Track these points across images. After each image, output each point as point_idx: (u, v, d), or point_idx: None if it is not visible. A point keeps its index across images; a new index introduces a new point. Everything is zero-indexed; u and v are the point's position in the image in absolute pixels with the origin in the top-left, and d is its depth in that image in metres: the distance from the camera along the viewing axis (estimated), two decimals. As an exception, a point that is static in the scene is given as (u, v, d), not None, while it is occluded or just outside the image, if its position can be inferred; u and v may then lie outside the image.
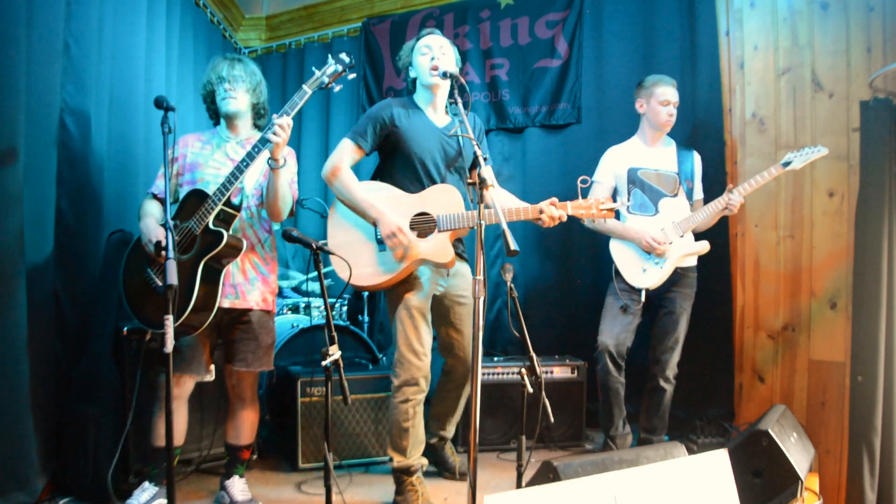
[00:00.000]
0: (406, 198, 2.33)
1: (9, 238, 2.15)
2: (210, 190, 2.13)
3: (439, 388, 2.62)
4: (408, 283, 2.31)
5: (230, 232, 2.16)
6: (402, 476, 2.34)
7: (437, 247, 2.26)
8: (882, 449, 2.55)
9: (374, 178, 2.48)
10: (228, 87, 2.29)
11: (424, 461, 2.41)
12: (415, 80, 2.46)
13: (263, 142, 2.08)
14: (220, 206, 2.11)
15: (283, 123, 2.07)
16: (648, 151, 2.93)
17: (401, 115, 2.35)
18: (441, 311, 2.46)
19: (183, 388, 2.24)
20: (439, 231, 2.27)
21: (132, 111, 2.91)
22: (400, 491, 2.34)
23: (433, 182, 2.35)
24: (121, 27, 2.82)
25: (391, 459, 2.37)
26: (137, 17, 2.96)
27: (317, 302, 3.57)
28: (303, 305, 3.57)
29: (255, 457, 2.83)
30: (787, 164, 2.66)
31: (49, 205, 2.37)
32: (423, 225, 2.30)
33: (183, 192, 2.23)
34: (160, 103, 1.98)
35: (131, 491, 2.22)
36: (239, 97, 2.30)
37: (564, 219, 2.25)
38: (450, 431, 2.68)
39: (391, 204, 2.29)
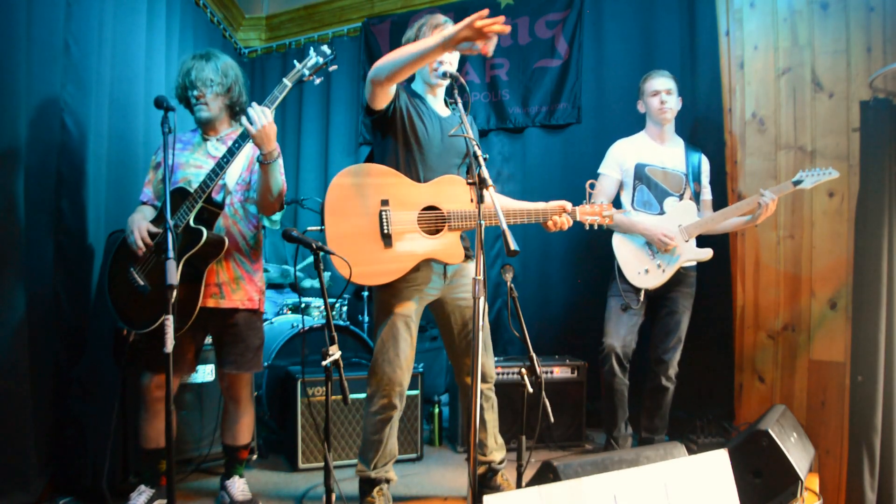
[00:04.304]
0: (415, 188, 2.14)
1: (9, 238, 2.15)
2: (192, 189, 2.10)
3: (463, 407, 2.53)
4: (394, 287, 2.15)
5: (213, 230, 2.13)
6: (364, 486, 2.25)
7: (448, 245, 2.13)
8: (882, 449, 2.56)
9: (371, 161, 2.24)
10: (199, 95, 2.23)
11: (392, 476, 2.27)
12: None
13: (243, 136, 2.05)
14: (200, 204, 2.08)
15: (257, 112, 2.01)
16: (657, 148, 2.93)
17: (407, 103, 2.19)
18: (442, 316, 2.32)
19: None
20: (450, 229, 2.14)
21: (132, 111, 2.90)
22: (361, 500, 2.25)
23: (437, 173, 2.19)
24: (121, 27, 2.82)
25: (357, 464, 2.28)
26: (137, 17, 2.95)
27: (317, 302, 3.56)
28: (302, 306, 3.57)
29: (254, 457, 2.84)
30: (798, 182, 2.64)
31: (49, 205, 2.37)
32: (433, 220, 2.14)
33: None
34: (160, 103, 1.97)
35: (131, 491, 2.21)
36: (210, 102, 2.25)
37: (565, 228, 2.23)
38: (495, 455, 2.37)
39: (400, 193, 2.12)
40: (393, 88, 2.10)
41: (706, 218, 2.80)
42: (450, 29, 1.79)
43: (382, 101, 2.11)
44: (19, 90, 2.18)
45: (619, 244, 2.86)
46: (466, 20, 1.71)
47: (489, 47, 1.73)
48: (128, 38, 2.89)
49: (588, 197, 2.31)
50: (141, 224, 2.10)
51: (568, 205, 2.22)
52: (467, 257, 2.25)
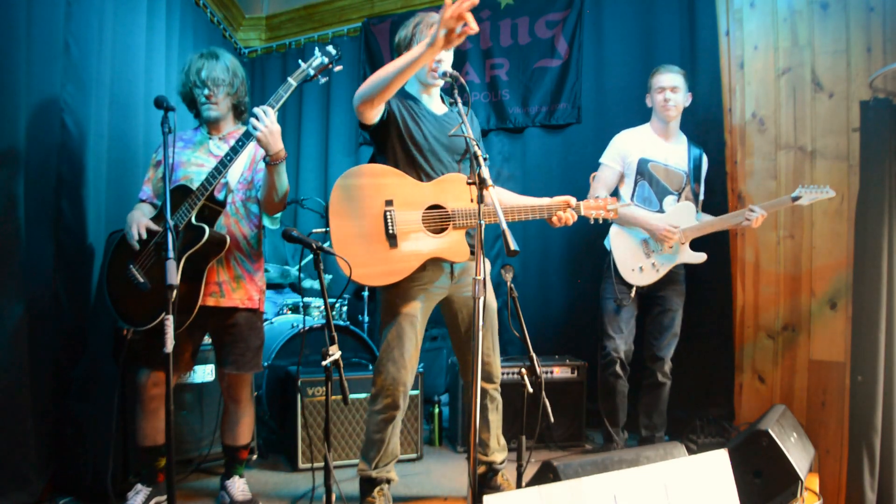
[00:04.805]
0: (419, 187, 2.13)
1: (9, 238, 2.15)
2: (194, 187, 2.10)
3: (466, 407, 2.52)
4: (400, 286, 2.14)
5: (214, 228, 2.13)
6: (365, 486, 2.24)
7: (453, 243, 2.12)
8: (882, 449, 2.56)
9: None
10: (209, 95, 2.23)
11: (393, 476, 2.26)
12: None
13: (247, 135, 2.05)
14: (202, 202, 2.07)
15: (260, 113, 2.01)
16: (661, 144, 2.92)
17: (399, 106, 2.18)
18: (449, 314, 2.30)
19: (163, 388, 2.18)
20: (455, 227, 2.12)
21: (132, 111, 2.91)
22: (361, 500, 2.24)
23: (438, 172, 2.18)
24: (121, 27, 2.82)
25: (358, 463, 2.27)
26: (137, 17, 2.96)
27: (317, 302, 3.56)
28: (302, 306, 3.57)
29: (254, 457, 2.84)
30: (796, 198, 2.64)
31: (49, 205, 2.37)
32: (437, 219, 2.13)
33: None
34: (160, 103, 1.97)
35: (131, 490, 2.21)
36: (219, 102, 2.26)
37: (570, 224, 2.21)
38: (497, 456, 2.39)
39: (404, 193, 2.10)
40: (383, 104, 2.09)
41: (703, 223, 2.81)
42: (432, 32, 1.79)
43: (373, 117, 2.10)
44: (19, 90, 2.18)
45: (617, 237, 2.85)
46: (439, 17, 1.72)
47: (471, 24, 1.71)
48: (128, 38, 2.89)
49: (592, 191, 2.29)
50: (140, 220, 2.10)
51: (572, 200, 2.20)
52: (473, 255, 2.23)
